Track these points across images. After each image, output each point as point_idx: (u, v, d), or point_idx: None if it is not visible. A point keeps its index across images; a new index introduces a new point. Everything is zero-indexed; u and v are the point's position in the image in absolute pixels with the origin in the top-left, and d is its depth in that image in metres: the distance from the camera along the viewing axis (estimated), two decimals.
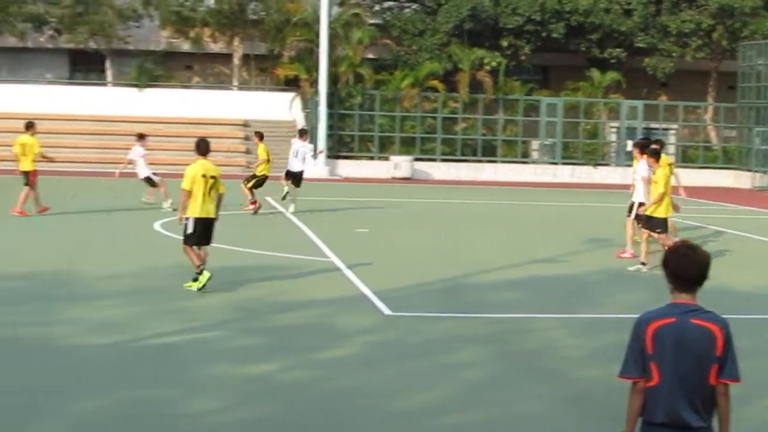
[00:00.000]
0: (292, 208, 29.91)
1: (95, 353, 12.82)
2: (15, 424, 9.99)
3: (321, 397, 11.21)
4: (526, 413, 11.08)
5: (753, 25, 53.36)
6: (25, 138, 27.60)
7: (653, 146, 22.03)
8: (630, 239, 22.61)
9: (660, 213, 20.59)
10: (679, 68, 55.00)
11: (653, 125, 54.17)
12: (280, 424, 10.34)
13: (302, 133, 31.96)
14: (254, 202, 29.62)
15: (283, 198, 30.77)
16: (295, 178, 30.25)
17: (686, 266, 6.29)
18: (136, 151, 30.52)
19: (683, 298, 6.33)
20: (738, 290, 19.31)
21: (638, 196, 21.93)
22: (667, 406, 6.25)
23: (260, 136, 31.10)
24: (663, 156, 24.48)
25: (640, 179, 21.96)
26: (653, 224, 20.63)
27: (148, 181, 30.30)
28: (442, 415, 10.79)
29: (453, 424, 10.52)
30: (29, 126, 27.97)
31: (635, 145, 23.83)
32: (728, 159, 54.20)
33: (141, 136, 31.21)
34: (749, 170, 51.72)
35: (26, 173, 27.29)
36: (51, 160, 29.51)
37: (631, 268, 20.71)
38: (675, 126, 54.99)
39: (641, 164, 22.20)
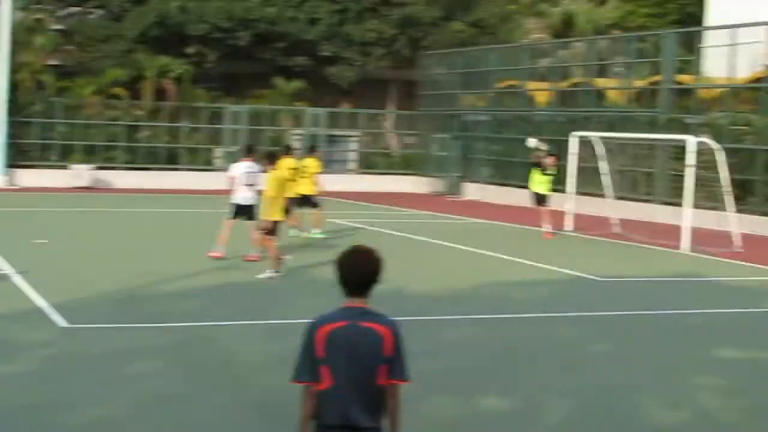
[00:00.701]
0: None
1: None
2: None
3: None
4: (208, 422, 10.99)
5: (433, 36, 54.89)
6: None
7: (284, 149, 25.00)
8: (223, 240, 23.00)
9: (271, 216, 20.87)
10: (362, 77, 55.93)
11: (336, 132, 54.91)
12: None
13: None
14: None
15: None
16: None
17: (355, 270, 6.36)
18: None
19: (354, 301, 6.39)
20: (416, 292, 19.81)
21: (237, 198, 23.19)
22: (339, 408, 6.30)
23: None
24: (288, 160, 25.69)
25: (238, 180, 23.16)
26: (262, 226, 21.08)
27: None
28: (119, 428, 10.57)
29: None
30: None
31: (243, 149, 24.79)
32: (407, 165, 55.49)
33: None
34: (428, 176, 53.18)
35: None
36: None
37: (260, 276, 20.65)
38: (357, 133, 55.91)
39: (239, 166, 23.54)
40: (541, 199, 30.97)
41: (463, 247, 27.74)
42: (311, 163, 28.61)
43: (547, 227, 30.13)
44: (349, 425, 6.29)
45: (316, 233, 27.61)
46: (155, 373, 12.90)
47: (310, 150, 30.48)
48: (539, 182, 30.89)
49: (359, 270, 6.35)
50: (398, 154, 55.96)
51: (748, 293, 21.38)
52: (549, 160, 31.03)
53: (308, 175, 27.90)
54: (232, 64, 56.50)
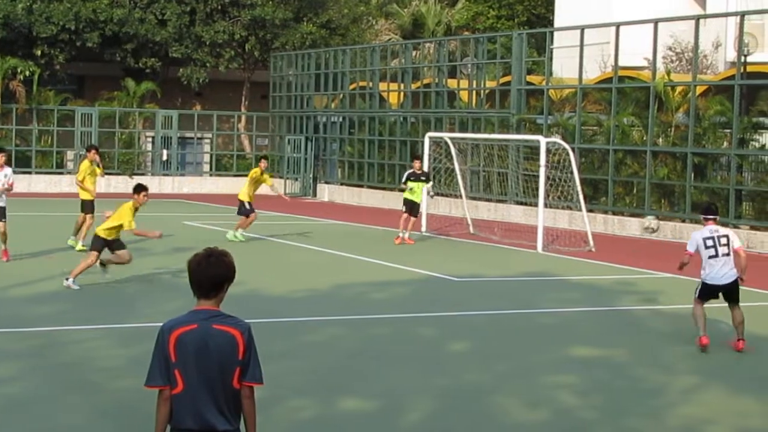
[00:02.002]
0: None
1: None
2: None
3: None
4: (65, 426, 10.77)
5: (284, 37, 54.70)
6: None
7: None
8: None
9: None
10: (213, 78, 55.48)
11: (188, 134, 54.44)
12: None
13: None
14: None
15: None
16: None
17: (203, 273, 6.32)
18: None
19: (204, 304, 6.36)
20: (272, 294, 19.69)
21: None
22: (194, 411, 6.25)
23: None
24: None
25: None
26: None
27: None
28: None
29: None
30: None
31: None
32: None
33: None
34: (281, 177, 52.97)
35: None
36: None
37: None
38: (209, 135, 55.48)
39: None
40: (416, 209, 29.88)
41: (319, 249, 27.67)
42: (82, 167, 26.47)
43: (404, 233, 29.57)
44: (205, 429, 6.25)
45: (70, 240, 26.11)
46: (10, 378, 12.62)
47: (87, 150, 27.75)
48: (417, 190, 29.74)
49: (209, 272, 6.31)
50: (251, 156, 55.69)
51: (601, 292, 21.68)
52: (416, 165, 30.58)
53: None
54: (81, 66, 55.58)
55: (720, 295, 15.52)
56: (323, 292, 20.28)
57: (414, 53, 50.26)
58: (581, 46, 36.76)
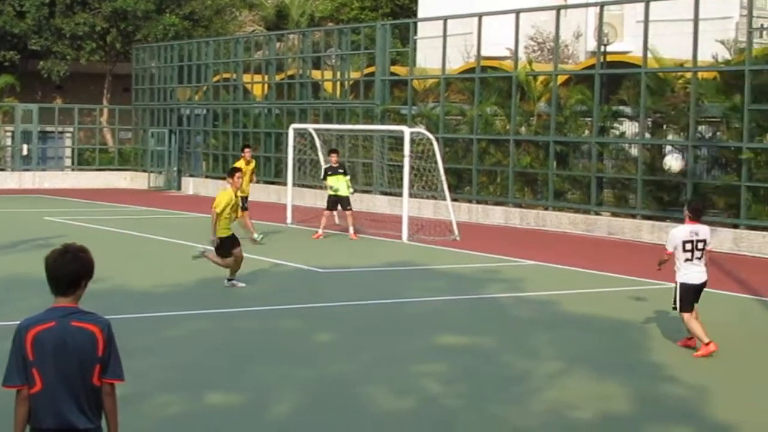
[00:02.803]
0: None
1: None
2: None
3: None
4: None
5: (146, 29, 54.06)
6: None
7: None
8: None
9: None
10: (74, 71, 54.60)
11: (49, 128, 53.49)
12: None
13: None
14: None
15: None
16: None
17: (60, 270, 6.20)
18: None
19: (62, 301, 6.23)
20: (136, 289, 19.46)
21: None
22: (54, 410, 6.12)
23: None
24: None
25: None
26: None
27: None
28: None
29: None
30: None
31: None
32: (124, 160, 54.64)
33: None
34: (145, 171, 52.47)
35: None
36: None
37: None
38: (71, 129, 54.59)
39: None
40: (345, 202, 29.21)
41: (184, 243, 27.39)
42: None
43: (351, 228, 29.09)
44: (65, 428, 6.13)
45: None
46: None
47: None
48: (338, 184, 29.03)
49: (67, 269, 6.19)
50: (114, 150, 54.97)
51: (466, 280, 21.86)
52: (333, 158, 29.81)
53: None
54: None
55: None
56: (188, 286, 20.10)
57: (278, 45, 50.06)
58: (444, 36, 37.01)
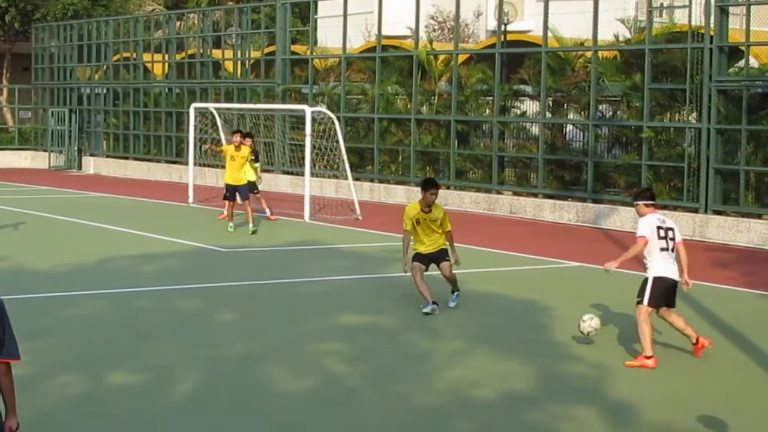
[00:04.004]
0: None
1: None
2: None
3: None
4: None
5: (45, 8, 53.37)
6: None
7: None
8: None
9: None
10: None
11: None
12: None
13: None
14: None
15: None
16: None
17: None
18: None
19: None
20: (35, 269, 19.25)
21: None
22: None
23: None
24: None
25: None
26: None
27: None
28: None
29: None
30: None
31: None
32: (24, 140, 53.95)
33: None
34: (45, 150, 51.83)
35: None
36: None
37: None
38: None
39: None
40: (252, 187, 28.49)
41: (84, 222, 27.15)
42: None
43: (268, 210, 28.81)
44: None
45: None
46: None
47: None
48: (250, 171, 27.99)
49: None
50: (14, 129, 54.22)
51: (368, 259, 21.90)
52: (247, 143, 29.51)
53: None
54: None
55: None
56: (88, 265, 19.90)
57: (178, 24, 49.61)
58: (345, 15, 36.94)
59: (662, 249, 13.03)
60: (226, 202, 26.38)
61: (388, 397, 11.17)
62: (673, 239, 13.15)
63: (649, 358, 12.79)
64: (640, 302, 13.05)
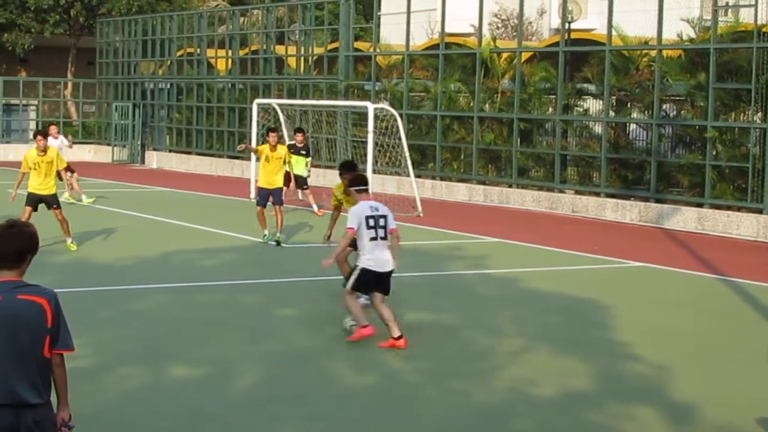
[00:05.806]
0: None
1: None
2: None
3: None
4: None
5: (110, 3, 53.78)
6: None
7: None
8: None
9: None
10: (39, 44, 54.31)
11: (13, 101, 53.17)
12: None
13: None
14: None
15: None
16: None
17: (6, 244, 6.21)
18: None
19: (7, 275, 6.24)
20: (101, 262, 19.39)
21: None
22: (4, 386, 6.10)
23: None
24: None
25: None
26: None
27: None
28: None
29: None
30: None
31: None
32: (88, 134, 54.41)
33: None
34: (109, 144, 52.29)
35: None
36: None
37: None
38: (35, 102, 54.25)
39: None
40: (301, 182, 29.48)
41: (148, 216, 27.35)
42: None
43: (315, 206, 28.93)
44: (15, 403, 6.09)
45: None
46: None
47: None
48: (297, 164, 28.62)
49: (12, 243, 6.22)
50: (78, 123, 54.70)
51: (429, 257, 21.87)
52: (298, 138, 30.03)
53: None
54: None
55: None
56: (150, 259, 20.06)
57: (242, 19, 49.80)
58: (408, 12, 36.93)
59: (372, 238, 13.09)
60: (258, 208, 22.87)
61: (448, 395, 11.17)
62: (384, 227, 13.20)
63: (365, 327, 13.15)
64: (344, 285, 13.61)
